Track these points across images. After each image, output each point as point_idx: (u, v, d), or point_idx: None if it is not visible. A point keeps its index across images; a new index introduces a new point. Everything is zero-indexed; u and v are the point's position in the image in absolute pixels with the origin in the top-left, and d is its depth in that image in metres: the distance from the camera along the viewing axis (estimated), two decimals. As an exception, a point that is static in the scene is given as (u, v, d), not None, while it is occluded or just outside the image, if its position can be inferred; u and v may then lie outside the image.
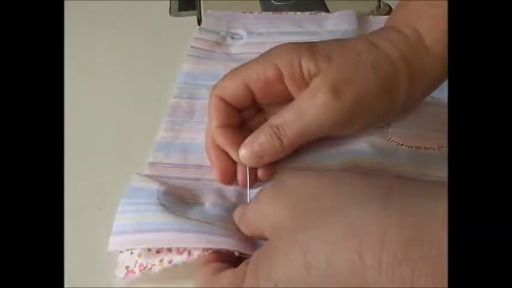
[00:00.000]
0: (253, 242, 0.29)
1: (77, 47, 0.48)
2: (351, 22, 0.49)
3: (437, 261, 0.20)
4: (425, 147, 0.35)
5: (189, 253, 0.28)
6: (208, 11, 0.52)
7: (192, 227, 0.29)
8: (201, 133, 0.36)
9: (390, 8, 0.53)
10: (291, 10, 0.52)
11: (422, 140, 0.36)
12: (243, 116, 0.35)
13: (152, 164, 0.36)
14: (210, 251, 0.28)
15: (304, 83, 0.32)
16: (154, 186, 0.32)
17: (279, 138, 0.32)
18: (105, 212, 0.33)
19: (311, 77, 0.32)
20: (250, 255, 0.27)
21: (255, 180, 0.34)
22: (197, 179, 0.35)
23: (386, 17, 0.43)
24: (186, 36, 0.49)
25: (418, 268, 0.20)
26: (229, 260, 0.28)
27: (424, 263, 0.20)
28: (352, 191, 0.24)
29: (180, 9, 0.57)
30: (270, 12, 0.52)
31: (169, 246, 0.28)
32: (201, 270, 0.28)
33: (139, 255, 0.29)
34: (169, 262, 0.28)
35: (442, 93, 0.39)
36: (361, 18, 0.50)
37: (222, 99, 0.33)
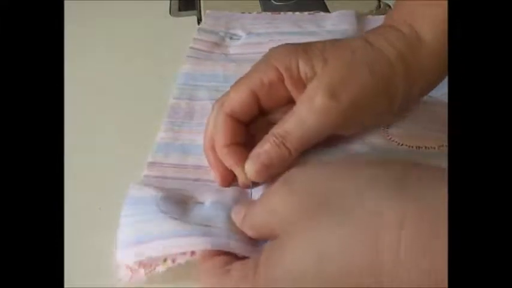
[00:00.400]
0: (255, 242, 0.29)
1: (77, 46, 0.48)
2: (350, 22, 0.49)
3: None
4: (425, 147, 0.36)
5: (192, 252, 0.28)
6: (207, 12, 0.52)
7: (194, 231, 0.29)
8: (200, 134, 0.36)
9: (390, 8, 0.53)
10: (291, 10, 0.52)
11: (422, 140, 0.36)
12: (250, 131, 0.34)
13: (151, 164, 0.36)
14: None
15: (302, 85, 0.32)
16: (152, 194, 0.31)
17: (286, 147, 0.31)
18: (105, 212, 0.34)
19: (308, 80, 0.32)
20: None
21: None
22: (196, 180, 0.35)
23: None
24: (186, 37, 0.49)
25: (437, 261, 0.20)
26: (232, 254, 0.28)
27: (443, 255, 0.20)
28: (364, 181, 0.24)
29: (180, 9, 0.57)
30: (269, 13, 0.52)
31: (173, 252, 0.28)
32: (207, 264, 0.28)
33: None
34: (173, 261, 0.28)
35: (441, 92, 0.39)
36: (360, 18, 0.50)
37: (230, 116, 0.33)
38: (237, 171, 0.33)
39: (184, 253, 0.28)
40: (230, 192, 0.33)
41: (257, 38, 0.48)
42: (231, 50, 0.47)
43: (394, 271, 0.21)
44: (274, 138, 0.32)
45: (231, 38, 0.49)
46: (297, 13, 0.52)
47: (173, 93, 0.42)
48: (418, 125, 0.37)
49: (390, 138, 0.36)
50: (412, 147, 0.36)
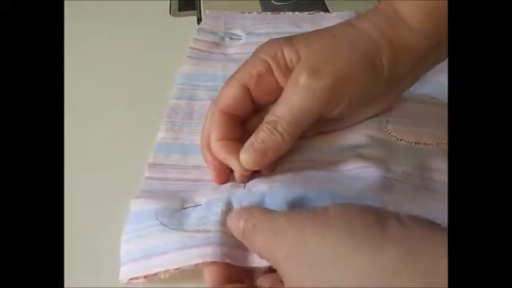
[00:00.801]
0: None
1: (77, 47, 0.48)
2: None
3: None
4: (424, 143, 0.36)
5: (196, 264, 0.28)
6: (207, 12, 0.52)
7: (192, 241, 0.28)
8: (200, 134, 0.36)
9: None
10: (291, 10, 0.53)
11: (421, 136, 0.36)
12: (247, 128, 0.34)
13: (152, 165, 0.36)
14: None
15: (290, 72, 0.33)
16: (152, 207, 0.31)
17: (280, 133, 0.32)
18: (105, 212, 0.34)
19: (293, 66, 0.33)
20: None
21: (252, 174, 0.33)
22: (197, 180, 0.35)
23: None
24: (186, 37, 0.49)
25: None
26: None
27: None
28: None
29: (180, 9, 0.57)
30: (269, 13, 0.52)
31: (177, 266, 0.28)
32: (208, 274, 0.28)
33: None
34: (176, 268, 0.28)
35: (440, 91, 0.39)
36: None
37: (225, 112, 0.33)
38: (231, 163, 0.32)
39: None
40: (226, 187, 0.33)
41: (257, 38, 0.48)
42: (231, 50, 0.47)
43: None
44: (267, 125, 0.32)
45: (230, 38, 0.49)
46: (297, 13, 0.52)
47: (173, 93, 0.42)
48: (418, 122, 0.37)
49: (389, 133, 0.36)
50: (411, 142, 0.36)
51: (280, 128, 0.32)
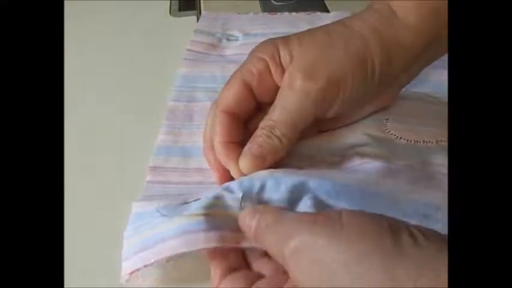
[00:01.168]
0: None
1: (77, 47, 0.48)
2: None
3: None
4: (423, 141, 0.36)
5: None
6: (203, 13, 0.52)
7: (195, 225, 0.28)
8: (201, 136, 0.36)
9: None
10: (291, 10, 0.53)
11: (420, 134, 0.36)
12: (249, 129, 0.34)
13: (153, 168, 0.36)
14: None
15: (283, 71, 0.33)
16: (154, 206, 0.31)
17: (276, 136, 0.32)
18: (105, 212, 0.34)
19: (287, 66, 0.33)
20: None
21: None
22: (199, 183, 0.35)
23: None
24: (186, 37, 0.49)
25: None
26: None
27: None
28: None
29: (180, 9, 0.57)
30: (266, 13, 0.52)
31: (179, 251, 0.27)
32: (212, 265, 0.28)
33: None
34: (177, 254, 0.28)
35: (440, 90, 0.39)
36: None
37: (227, 112, 0.33)
38: (230, 168, 0.32)
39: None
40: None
41: (254, 38, 0.48)
42: (228, 51, 0.47)
43: None
44: (263, 130, 0.32)
45: (228, 39, 0.49)
46: (294, 13, 0.52)
47: (171, 95, 0.42)
48: (417, 121, 0.37)
49: (389, 132, 0.36)
50: (410, 141, 0.36)
51: (277, 132, 0.32)
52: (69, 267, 0.27)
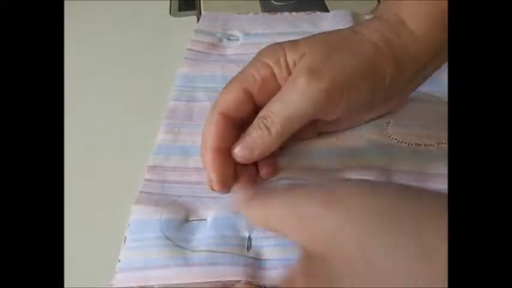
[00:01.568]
0: (261, 267, 0.29)
1: (77, 47, 0.48)
2: (346, 22, 0.49)
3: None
4: (424, 144, 0.36)
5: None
6: (203, 13, 0.52)
7: (199, 259, 0.29)
8: (200, 136, 0.36)
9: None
10: (291, 10, 0.52)
11: (421, 137, 0.36)
12: (245, 129, 0.34)
13: (152, 167, 0.36)
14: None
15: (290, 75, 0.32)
16: (155, 217, 0.31)
17: (267, 128, 0.31)
18: (105, 212, 0.34)
19: (294, 68, 0.32)
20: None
21: (255, 181, 0.34)
22: (198, 183, 0.35)
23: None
24: (186, 37, 0.49)
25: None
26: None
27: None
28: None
29: (180, 9, 0.56)
30: (266, 13, 0.52)
31: (179, 282, 0.28)
32: None
33: None
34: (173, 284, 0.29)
35: (440, 89, 0.39)
36: (357, 17, 0.50)
37: (224, 115, 0.33)
38: (211, 177, 0.32)
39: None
40: (228, 200, 0.32)
41: (254, 38, 0.48)
42: (229, 51, 0.47)
43: None
44: (259, 122, 0.32)
45: (228, 39, 0.48)
46: (294, 13, 0.52)
47: (171, 95, 0.42)
48: (418, 122, 0.37)
49: (390, 136, 0.36)
50: (412, 144, 0.36)
51: (269, 124, 0.31)
52: (69, 267, 0.27)
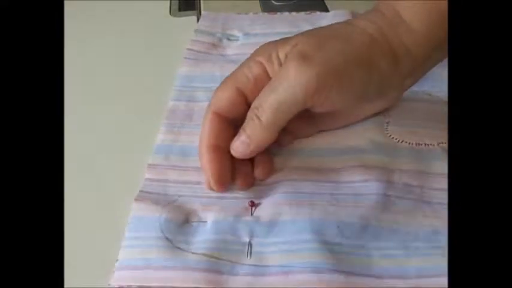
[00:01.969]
0: (262, 274, 0.29)
1: (77, 47, 0.48)
2: None
3: None
4: (425, 144, 0.36)
5: None
6: (203, 13, 0.52)
7: (199, 264, 0.29)
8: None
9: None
10: (291, 10, 0.52)
11: (422, 137, 0.36)
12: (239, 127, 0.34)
13: (152, 166, 0.36)
14: None
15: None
16: (156, 215, 0.31)
17: (258, 118, 0.31)
18: (105, 212, 0.34)
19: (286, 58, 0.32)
20: None
21: (252, 183, 0.34)
22: (197, 183, 0.34)
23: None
24: (186, 37, 0.49)
25: None
26: None
27: None
28: None
29: (180, 9, 0.57)
30: (266, 13, 0.52)
31: (177, 285, 0.28)
32: None
33: None
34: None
35: (440, 89, 0.39)
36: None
37: (218, 114, 0.33)
38: (205, 176, 0.33)
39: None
40: (231, 210, 0.32)
41: (254, 38, 0.48)
42: (229, 51, 0.47)
43: None
44: (251, 113, 0.32)
45: (228, 39, 0.48)
46: (293, 13, 0.52)
47: (171, 95, 0.42)
48: (418, 122, 0.37)
49: (390, 136, 0.36)
50: (412, 144, 0.36)
51: (260, 113, 0.31)
52: (69, 267, 0.27)
